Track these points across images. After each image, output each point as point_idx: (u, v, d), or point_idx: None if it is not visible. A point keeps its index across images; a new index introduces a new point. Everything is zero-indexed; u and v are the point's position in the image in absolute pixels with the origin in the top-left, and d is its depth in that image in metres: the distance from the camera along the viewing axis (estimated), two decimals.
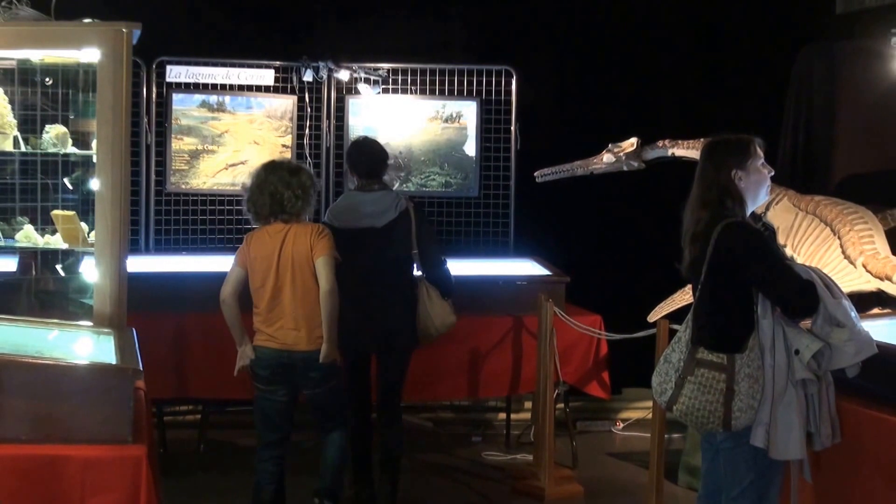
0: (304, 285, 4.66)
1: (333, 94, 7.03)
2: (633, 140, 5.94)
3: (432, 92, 7.11)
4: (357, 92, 7.03)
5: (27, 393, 3.64)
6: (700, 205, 3.83)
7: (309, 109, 7.03)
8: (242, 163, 6.93)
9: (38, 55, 4.79)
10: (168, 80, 6.78)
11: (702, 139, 5.10)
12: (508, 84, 7.10)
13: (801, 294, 3.71)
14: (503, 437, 6.78)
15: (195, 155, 6.87)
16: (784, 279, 3.72)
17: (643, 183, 6.53)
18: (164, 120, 6.78)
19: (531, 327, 6.07)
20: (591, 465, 6.32)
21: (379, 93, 7.03)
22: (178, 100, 6.81)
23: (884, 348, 3.87)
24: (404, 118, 7.11)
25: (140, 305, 5.09)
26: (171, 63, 6.78)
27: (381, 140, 6.25)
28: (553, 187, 6.25)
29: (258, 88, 6.96)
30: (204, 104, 6.88)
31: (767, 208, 5.39)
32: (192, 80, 6.83)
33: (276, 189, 4.68)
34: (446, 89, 7.11)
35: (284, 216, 4.70)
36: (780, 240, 5.04)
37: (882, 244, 5.26)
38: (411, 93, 7.11)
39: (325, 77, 6.97)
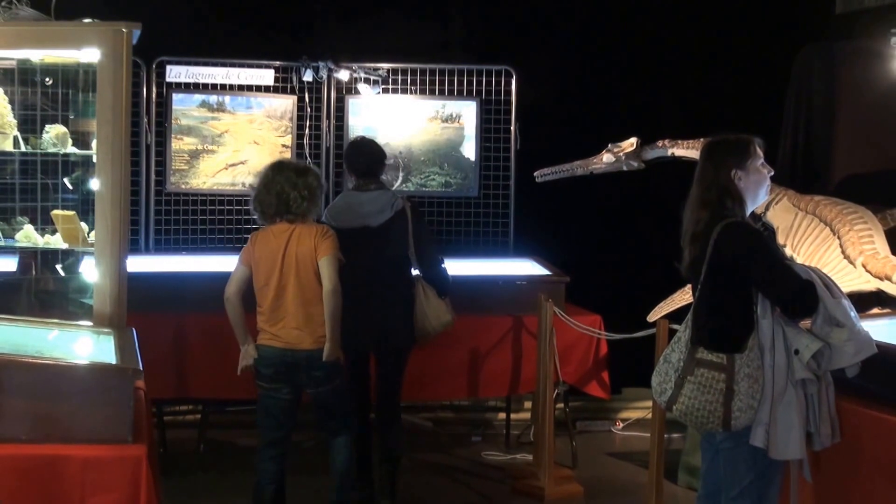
0: (307, 285, 4.67)
1: (333, 94, 7.04)
2: (633, 140, 5.94)
3: (432, 92, 7.11)
4: (357, 92, 7.03)
5: (27, 393, 3.64)
6: (700, 205, 3.83)
7: (309, 109, 7.03)
8: (242, 163, 6.93)
9: (38, 55, 4.79)
10: (168, 80, 6.78)
11: (701, 139, 5.10)
12: (508, 84, 7.10)
13: (801, 294, 3.71)
14: (503, 437, 6.78)
15: (195, 155, 6.87)
16: (784, 279, 3.72)
17: (643, 183, 6.54)
18: (164, 120, 6.78)
19: (531, 327, 6.07)
20: (591, 464, 6.32)
21: (379, 93, 7.04)
22: (178, 100, 6.81)
23: (883, 348, 3.87)
24: (404, 118, 7.11)
25: (140, 305, 5.10)
26: (171, 63, 6.78)
27: (381, 140, 6.27)
28: (553, 187, 6.25)
29: (258, 88, 6.96)
30: (204, 104, 6.88)
31: (767, 208, 5.40)
32: (192, 80, 6.84)
33: (282, 189, 4.70)
34: (446, 89, 7.12)
35: (290, 216, 4.71)
36: (780, 240, 5.04)
37: (882, 244, 5.26)
38: (411, 93, 7.11)
39: (324, 77, 6.97)
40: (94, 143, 4.67)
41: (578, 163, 6.04)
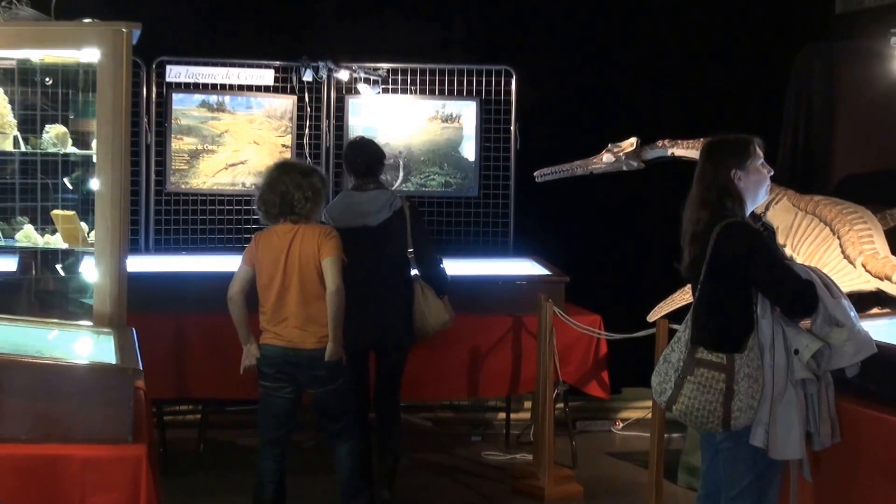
0: (310, 285, 4.68)
1: (333, 94, 7.04)
2: (633, 140, 5.94)
3: (432, 92, 7.11)
4: (357, 92, 7.03)
5: (27, 393, 3.64)
6: (699, 205, 3.83)
7: (309, 109, 7.03)
8: (242, 163, 6.93)
9: (38, 55, 4.79)
10: (168, 80, 6.78)
11: (701, 139, 5.10)
12: (508, 84, 7.10)
13: (801, 294, 3.71)
14: (503, 437, 6.78)
15: (195, 155, 6.87)
16: (783, 279, 3.72)
17: (643, 183, 6.54)
18: (164, 120, 6.78)
19: (531, 327, 6.07)
20: (591, 464, 6.32)
21: (379, 93, 7.03)
22: (178, 100, 6.81)
23: (883, 348, 3.87)
24: (404, 118, 7.11)
25: (140, 305, 5.10)
26: (171, 63, 6.78)
27: (381, 140, 6.28)
28: (553, 187, 6.25)
29: (258, 88, 6.96)
30: (204, 104, 6.88)
31: (767, 208, 5.40)
32: (191, 80, 6.83)
33: (287, 189, 4.71)
34: (446, 89, 7.12)
35: (293, 217, 4.73)
36: (780, 240, 5.04)
37: (881, 244, 5.26)
38: (411, 93, 7.11)
39: (324, 77, 6.97)
40: (94, 143, 4.67)
41: (578, 163, 6.04)
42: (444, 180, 7.16)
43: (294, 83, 6.99)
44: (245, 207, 6.93)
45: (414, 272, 5.40)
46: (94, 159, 4.62)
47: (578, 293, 6.43)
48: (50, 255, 5.03)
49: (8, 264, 5.42)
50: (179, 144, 6.83)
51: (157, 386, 4.97)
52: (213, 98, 6.87)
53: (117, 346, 4.19)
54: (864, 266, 5.16)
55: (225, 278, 6.06)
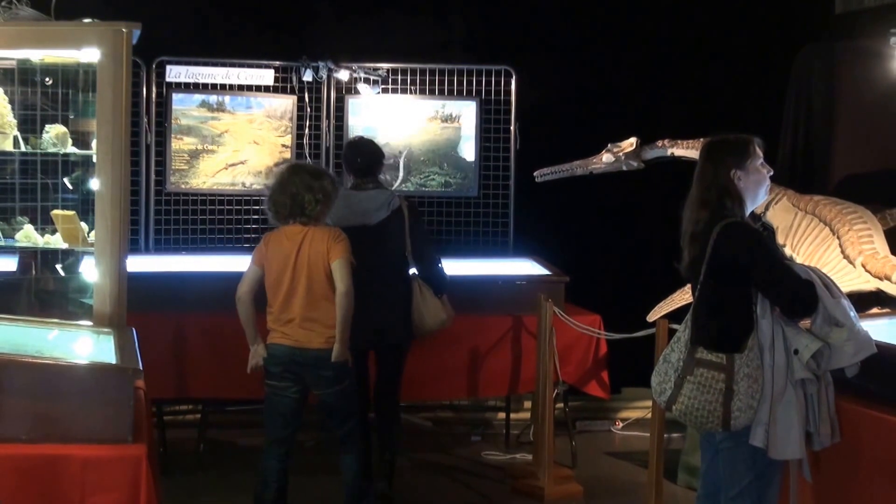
0: (318, 287, 4.70)
1: (333, 94, 7.04)
2: (633, 140, 5.94)
3: (432, 92, 7.11)
4: (357, 92, 7.03)
5: (27, 393, 3.64)
6: (699, 205, 3.83)
7: (309, 109, 7.03)
8: (242, 163, 6.93)
9: (38, 55, 4.78)
10: (168, 80, 6.78)
11: (701, 139, 5.11)
12: (508, 84, 7.11)
13: (800, 294, 3.72)
14: (503, 437, 6.78)
15: (195, 155, 6.87)
16: (783, 279, 3.72)
17: (643, 183, 6.54)
18: (164, 120, 6.78)
19: (531, 327, 6.07)
20: (591, 464, 6.33)
21: (378, 93, 7.04)
22: (178, 100, 6.81)
23: (883, 348, 3.87)
24: (404, 118, 7.11)
25: (140, 305, 5.10)
26: (171, 63, 6.78)
27: (381, 140, 6.29)
28: (552, 187, 6.25)
29: (258, 88, 6.96)
30: (204, 104, 6.88)
31: (767, 208, 5.40)
32: (191, 80, 6.83)
33: (297, 191, 4.73)
34: (446, 89, 7.12)
35: (303, 219, 4.74)
36: (780, 239, 5.04)
37: (881, 244, 5.26)
38: (411, 93, 7.11)
39: (324, 77, 6.97)
40: (94, 143, 4.67)
41: (578, 163, 6.04)
42: (443, 180, 7.16)
43: (294, 83, 6.99)
44: (245, 207, 6.94)
45: (413, 271, 5.41)
46: (94, 159, 4.62)
47: (578, 293, 6.43)
48: (50, 255, 5.02)
49: (8, 264, 5.42)
50: (179, 144, 6.84)
51: (157, 386, 4.97)
52: (213, 98, 6.87)
53: (117, 346, 4.19)
54: (863, 266, 5.16)
55: (225, 278, 6.07)
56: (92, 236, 4.69)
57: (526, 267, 6.76)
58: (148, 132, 6.73)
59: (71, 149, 4.84)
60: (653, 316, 5.81)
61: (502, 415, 6.95)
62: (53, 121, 4.88)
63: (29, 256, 5.11)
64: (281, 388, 4.78)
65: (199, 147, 6.87)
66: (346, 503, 4.95)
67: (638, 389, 6.85)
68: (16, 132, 4.80)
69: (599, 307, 6.40)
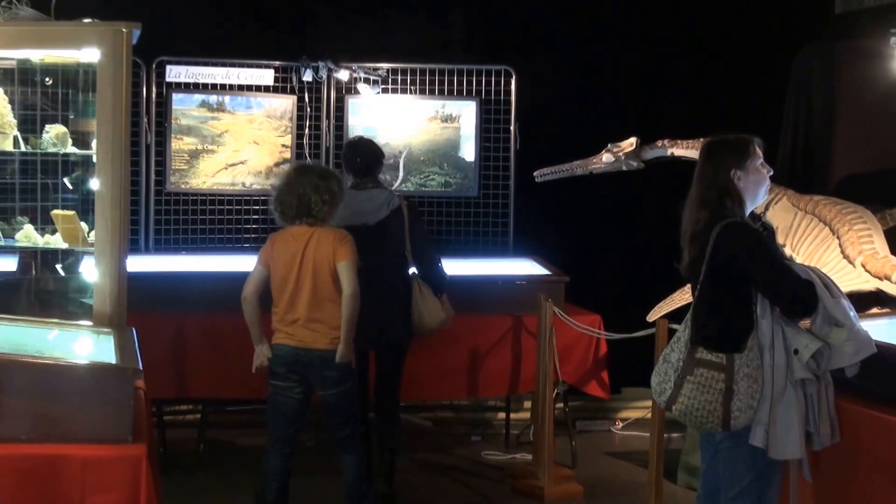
0: (323, 288, 4.71)
1: (333, 94, 7.04)
2: (633, 140, 5.94)
3: (432, 92, 7.11)
4: (356, 92, 7.04)
5: (27, 393, 3.64)
6: (699, 205, 3.83)
7: (308, 109, 7.03)
8: (242, 162, 6.93)
9: (38, 55, 4.78)
10: (168, 79, 6.78)
11: (701, 139, 5.11)
12: (508, 84, 7.11)
13: (800, 294, 3.72)
14: (502, 437, 6.78)
15: (195, 155, 6.88)
16: (783, 279, 3.72)
17: (643, 183, 6.54)
18: (164, 120, 6.78)
19: (531, 327, 6.08)
20: (591, 464, 6.33)
21: (378, 93, 7.04)
22: (178, 100, 6.81)
23: (883, 348, 3.87)
24: (404, 118, 7.11)
25: (140, 305, 5.10)
26: (171, 63, 6.78)
27: (381, 140, 6.30)
28: (552, 187, 6.25)
29: (258, 88, 6.96)
30: (204, 104, 6.88)
31: (766, 208, 5.40)
32: (191, 80, 6.84)
33: (304, 192, 4.73)
34: (446, 89, 7.12)
35: (310, 219, 4.75)
36: (779, 239, 5.04)
37: (881, 244, 5.26)
38: (411, 93, 7.11)
39: (324, 77, 6.97)
40: (94, 143, 4.67)
41: (578, 163, 6.05)
42: (443, 180, 7.16)
43: (294, 83, 6.99)
44: (245, 207, 6.94)
45: (412, 271, 5.42)
46: (94, 159, 4.62)
47: (578, 293, 6.43)
48: (50, 255, 5.02)
49: (8, 264, 5.42)
50: (179, 144, 6.84)
51: (157, 386, 4.97)
52: (213, 98, 6.87)
53: (117, 346, 4.19)
54: (863, 266, 5.16)
55: (225, 278, 6.09)
56: (92, 236, 4.69)
57: (526, 267, 6.76)
58: (148, 132, 6.74)
59: (71, 149, 4.84)
60: (653, 316, 5.81)
61: (502, 415, 6.96)
62: (53, 121, 4.88)
63: (29, 256, 5.11)
64: (285, 388, 4.78)
65: (199, 147, 6.88)
66: (346, 501, 4.95)
67: (638, 389, 6.84)
68: (16, 132, 4.80)
69: (599, 307, 6.40)
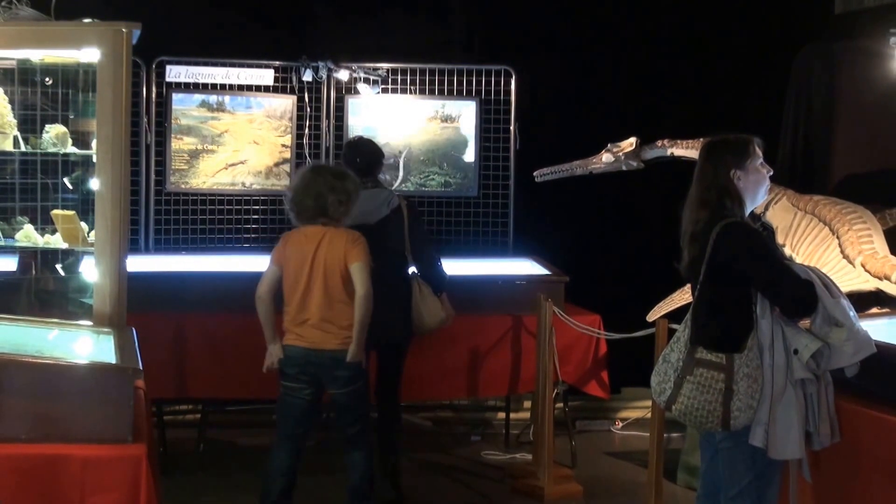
0: (333, 289, 4.71)
1: (333, 94, 7.04)
2: (632, 140, 5.94)
3: (431, 92, 7.11)
4: (356, 92, 7.04)
5: (27, 393, 3.63)
6: (699, 204, 3.83)
7: (308, 109, 7.03)
8: (242, 162, 6.94)
9: (38, 55, 4.78)
10: (168, 79, 6.78)
11: (701, 139, 5.11)
12: (508, 84, 7.11)
13: (800, 294, 3.72)
14: (502, 437, 6.79)
15: (195, 155, 6.88)
16: (783, 279, 3.72)
17: (643, 183, 6.54)
18: (164, 120, 6.79)
19: (530, 327, 6.08)
20: (591, 464, 6.33)
21: (378, 93, 7.04)
22: (178, 99, 6.81)
23: (882, 348, 3.87)
24: (403, 118, 7.11)
25: (140, 305, 5.09)
26: (170, 63, 6.78)
27: (381, 140, 6.30)
28: (552, 187, 6.25)
29: (258, 88, 6.96)
30: (204, 104, 6.88)
31: (766, 208, 5.40)
32: (191, 80, 6.84)
33: (321, 192, 4.74)
34: (445, 89, 7.12)
35: (324, 220, 4.76)
36: (779, 239, 5.04)
37: (881, 244, 5.26)
38: (411, 93, 7.12)
39: (324, 77, 6.97)
40: (94, 143, 4.67)
41: (578, 163, 6.05)
42: (443, 180, 7.16)
43: (294, 83, 6.99)
44: (245, 207, 6.94)
45: (412, 270, 5.42)
46: (94, 159, 4.62)
47: (578, 293, 6.43)
48: (50, 255, 5.02)
49: (8, 264, 5.42)
50: (179, 144, 6.84)
51: (157, 386, 4.98)
52: (212, 98, 6.88)
53: (117, 346, 4.19)
54: (863, 266, 5.16)
55: (225, 278, 6.10)
56: (92, 236, 4.69)
57: (526, 267, 6.76)
58: (148, 132, 6.74)
59: (71, 149, 4.84)
60: (652, 316, 5.81)
61: (502, 415, 6.96)
62: (53, 121, 4.88)
63: (29, 256, 5.11)
64: (295, 389, 4.79)
65: (199, 147, 6.88)
66: (349, 500, 4.95)
67: (638, 389, 6.85)
68: (16, 132, 4.80)
69: (599, 307, 6.40)
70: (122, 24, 4.53)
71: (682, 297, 5.66)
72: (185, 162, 6.86)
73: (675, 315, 5.22)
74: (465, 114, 7.15)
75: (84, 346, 4.41)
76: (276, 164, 6.96)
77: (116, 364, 3.92)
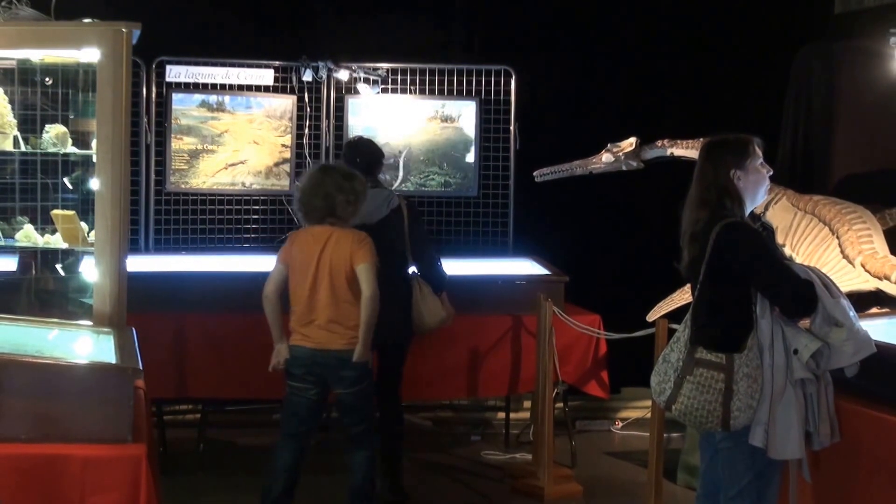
0: (339, 290, 4.71)
1: (333, 94, 7.04)
2: (632, 140, 5.94)
3: (431, 92, 7.11)
4: (356, 92, 7.04)
5: (27, 393, 3.64)
6: (699, 204, 3.83)
7: (308, 109, 7.03)
8: (242, 162, 6.94)
9: (38, 55, 4.78)
10: (168, 79, 6.78)
11: (701, 139, 5.10)
12: (507, 84, 7.11)
13: (800, 293, 3.72)
14: (502, 437, 6.79)
15: (195, 155, 6.88)
16: (782, 279, 3.72)
17: (643, 183, 6.53)
18: (164, 120, 6.79)
19: (530, 327, 6.08)
20: (590, 464, 6.33)
21: (378, 93, 7.04)
22: (178, 99, 6.81)
23: (882, 348, 3.87)
24: (403, 118, 7.11)
25: (140, 305, 5.10)
26: (170, 63, 6.78)
27: (381, 140, 6.31)
28: (552, 187, 6.25)
29: (258, 88, 6.96)
30: (204, 104, 6.88)
31: (766, 208, 5.40)
32: (191, 80, 6.84)
33: (329, 192, 4.74)
34: (445, 89, 7.12)
35: (332, 220, 4.76)
36: (779, 239, 5.04)
37: (880, 244, 5.26)
38: (410, 93, 7.12)
39: (324, 77, 6.97)
40: (94, 143, 4.67)
41: (578, 163, 6.05)
42: (443, 180, 7.16)
43: (294, 83, 6.99)
44: (245, 207, 6.94)
45: (412, 270, 5.43)
46: (94, 159, 4.62)
47: (578, 293, 6.44)
48: (50, 255, 5.02)
49: (8, 264, 5.42)
50: (179, 144, 6.84)
51: (157, 386, 4.98)
52: (212, 98, 6.88)
53: (117, 346, 4.20)
54: (863, 266, 5.16)
55: (225, 278, 6.10)
56: (92, 236, 4.69)
57: (526, 267, 6.76)
58: (148, 132, 6.74)
59: (71, 149, 4.84)
60: (652, 316, 5.81)
61: (502, 415, 6.96)
62: (53, 121, 4.88)
63: (29, 256, 5.11)
64: (301, 389, 4.80)
65: (199, 147, 6.88)
66: (350, 500, 4.94)
67: (638, 389, 6.84)
68: (16, 132, 4.80)
69: (599, 307, 6.40)
70: (122, 24, 4.53)
71: (682, 297, 5.66)
72: (185, 162, 6.86)
73: (675, 315, 5.22)
74: (465, 114, 7.15)
75: (84, 346, 4.41)
76: (276, 164, 6.96)
77: (116, 364, 3.92)
